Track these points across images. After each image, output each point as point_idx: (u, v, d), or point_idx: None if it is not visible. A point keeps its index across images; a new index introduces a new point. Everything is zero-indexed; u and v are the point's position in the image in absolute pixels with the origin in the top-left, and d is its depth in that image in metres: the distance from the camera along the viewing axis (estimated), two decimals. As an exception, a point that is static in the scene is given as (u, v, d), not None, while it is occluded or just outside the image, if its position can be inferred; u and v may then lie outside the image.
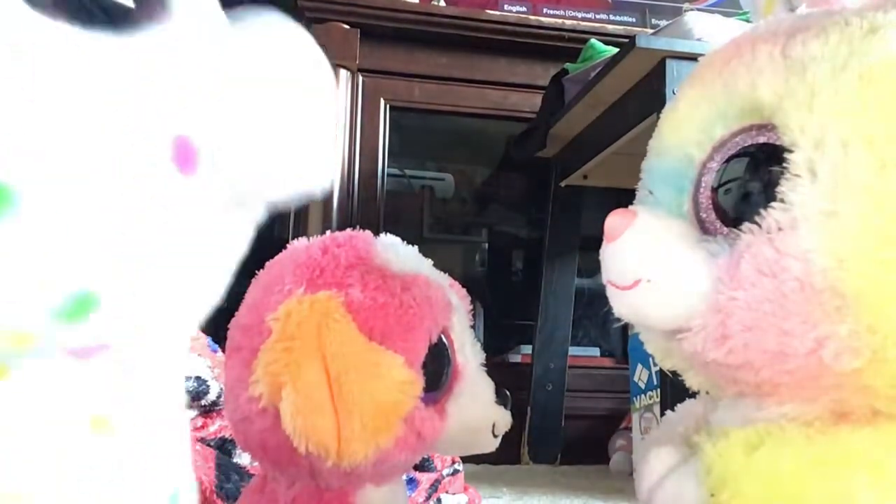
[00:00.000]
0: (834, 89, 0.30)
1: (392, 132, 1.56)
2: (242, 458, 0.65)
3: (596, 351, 1.73)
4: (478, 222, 1.98)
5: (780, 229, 0.30)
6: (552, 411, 1.45)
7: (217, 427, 0.66)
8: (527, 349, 1.57)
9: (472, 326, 0.44)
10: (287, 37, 0.22)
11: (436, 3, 1.58)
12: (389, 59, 1.54)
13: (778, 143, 0.31)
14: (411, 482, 0.73)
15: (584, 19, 1.65)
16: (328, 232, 0.43)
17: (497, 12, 1.61)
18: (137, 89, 0.18)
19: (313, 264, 0.40)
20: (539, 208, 1.60)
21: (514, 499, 1.03)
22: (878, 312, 0.29)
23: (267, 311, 0.38)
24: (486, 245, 1.98)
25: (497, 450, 0.44)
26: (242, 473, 0.62)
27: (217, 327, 0.53)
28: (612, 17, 1.69)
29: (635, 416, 1.18)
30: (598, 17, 1.68)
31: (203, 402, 0.66)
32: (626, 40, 1.04)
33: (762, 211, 0.31)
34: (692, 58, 0.96)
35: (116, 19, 0.18)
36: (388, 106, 1.54)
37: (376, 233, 0.43)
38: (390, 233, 0.44)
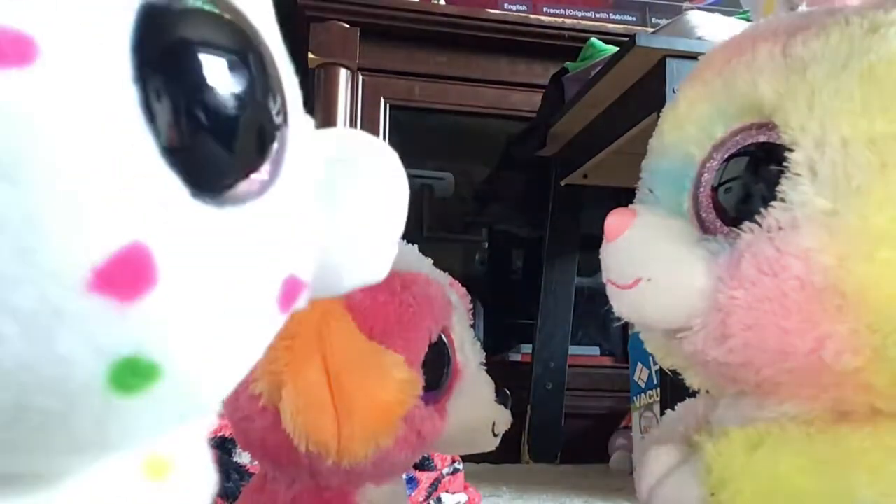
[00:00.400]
0: (834, 88, 0.30)
1: (392, 131, 1.56)
2: (242, 458, 0.65)
3: (596, 350, 1.73)
4: (478, 221, 1.98)
5: (780, 228, 0.30)
6: (552, 410, 1.45)
7: (217, 426, 0.66)
8: (527, 348, 1.57)
9: (472, 325, 0.44)
10: (370, 150, 0.22)
11: (436, 2, 1.58)
12: (389, 57, 1.54)
13: (778, 141, 0.31)
14: (411, 481, 0.73)
15: (584, 18, 1.65)
16: (328, 231, 0.43)
17: (497, 11, 1.61)
18: (263, 245, 0.18)
19: (313, 263, 0.40)
20: (539, 207, 1.60)
21: (514, 498, 1.03)
22: (878, 311, 0.29)
23: (267, 311, 0.38)
24: (486, 244, 1.98)
25: (497, 449, 0.44)
26: (242, 472, 0.62)
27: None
28: (612, 16, 1.69)
29: (635, 416, 1.18)
30: (598, 15, 1.68)
31: (203, 402, 0.66)
32: (627, 39, 1.04)
33: (762, 210, 0.31)
34: (692, 57, 0.96)
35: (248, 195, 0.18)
36: (387, 105, 1.54)
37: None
38: (390, 232, 0.44)
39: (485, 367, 0.44)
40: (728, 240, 0.33)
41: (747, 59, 0.33)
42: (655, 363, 0.99)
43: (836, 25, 0.31)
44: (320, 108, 1.48)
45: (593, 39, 1.37)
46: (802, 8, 0.36)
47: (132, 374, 0.16)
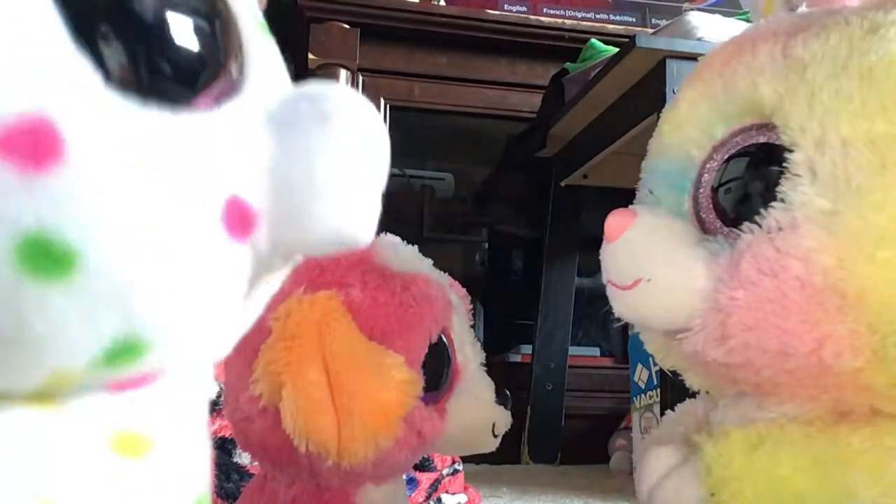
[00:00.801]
0: (834, 88, 0.30)
1: (392, 132, 1.55)
2: (242, 458, 0.65)
3: (596, 351, 1.73)
4: (478, 222, 1.98)
5: (780, 229, 0.30)
6: (552, 411, 1.45)
7: (217, 427, 0.66)
8: (527, 349, 1.57)
9: (472, 326, 0.45)
10: (342, 102, 0.22)
11: (436, 3, 1.58)
12: (389, 58, 1.54)
13: (778, 142, 0.31)
14: (411, 482, 0.73)
15: (584, 19, 1.65)
16: (328, 231, 0.43)
17: (497, 12, 1.61)
18: (194, 160, 0.18)
19: (313, 264, 0.40)
20: (539, 208, 1.60)
21: (514, 498, 1.03)
22: (878, 312, 0.29)
23: (267, 311, 0.38)
24: (486, 245, 1.98)
25: (497, 449, 0.44)
26: (242, 473, 0.62)
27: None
28: (612, 17, 1.69)
29: (635, 416, 1.18)
30: (598, 16, 1.68)
31: (203, 402, 0.66)
32: (627, 40, 1.04)
33: (762, 210, 0.31)
34: (692, 57, 0.96)
35: (185, 101, 0.18)
36: (387, 105, 1.54)
37: (376, 232, 0.43)
38: (390, 232, 0.44)
39: (485, 368, 0.44)
40: (728, 240, 0.33)
41: (747, 59, 0.33)
42: (655, 364, 0.99)
43: (836, 26, 0.32)
44: (320, 108, 1.48)
45: (593, 40, 1.37)
46: (802, 8, 0.36)
47: (44, 256, 0.16)
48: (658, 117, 0.39)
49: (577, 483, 1.18)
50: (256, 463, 0.46)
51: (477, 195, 1.99)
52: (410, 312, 0.39)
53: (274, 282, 0.24)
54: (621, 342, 1.74)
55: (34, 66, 0.16)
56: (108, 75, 0.17)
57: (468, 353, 0.43)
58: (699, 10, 1.12)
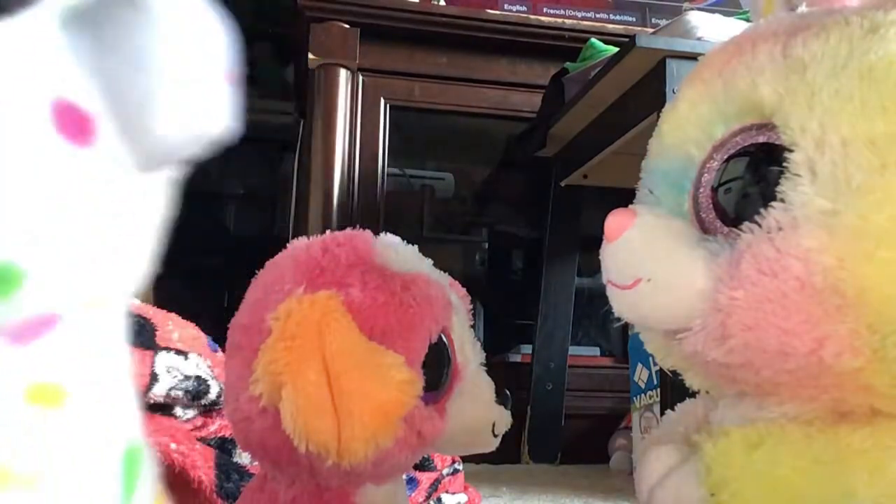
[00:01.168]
0: (834, 88, 0.30)
1: (392, 132, 1.56)
2: (242, 458, 0.65)
3: (596, 350, 1.73)
4: (478, 222, 1.98)
5: (780, 229, 0.30)
6: (552, 411, 1.45)
7: (217, 427, 0.66)
8: (527, 349, 1.57)
9: (472, 326, 0.44)
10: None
11: (436, 3, 1.58)
12: (389, 58, 1.54)
13: (778, 142, 0.31)
14: (411, 481, 0.73)
15: (584, 18, 1.65)
16: (328, 231, 0.43)
17: (497, 12, 1.61)
18: (4, 66, 0.18)
19: (313, 264, 0.40)
20: (539, 208, 1.60)
21: (514, 498, 1.03)
22: (878, 312, 0.29)
23: (267, 311, 0.38)
24: (486, 245, 1.98)
25: (497, 449, 0.44)
26: (242, 473, 0.62)
27: (217, 327, 0.53)
28: (612, 17, 1.69)
29: (635, 416, 1.18)
30: (598, 16, 1.68)
31: (203, 402, 0.66)
32: (627, 40, 1.04)
33: (762, 210, 0.31)
34: (692, 57, 0.96)
35: None
36: (388, 105, 1.54)
37: (376, 232, 0.43)
38: (390, 232, 0.44)
39: (485, 368, 0.44)
40: (728, 240, 0.33)
41: (747, 59, 0.33)
42: (655, 364, 0.99)
43: (836, 26, 0.32)
44: (320, 108, 1.48)
45: (593, 40, 1.37)
46: (802, 8, 0.36)
47: None
48: (658, 117, 0.39)
49: (577, 483, 1.17)
50: (256, 463, 0.46)
51: (477, 195, 1.99)
52: (410, 312, 0.39)
53: (157, 192, 0.23)
54: (621, 342, 1.74)
55: None
56: None
57: (468, 353, 0.43)
58: (699, 9, 1.12)
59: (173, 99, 0.21)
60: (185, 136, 0.22)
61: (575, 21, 1.61)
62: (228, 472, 0.61)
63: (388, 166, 1.56)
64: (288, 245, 0.43)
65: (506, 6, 1.65)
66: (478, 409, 0.42)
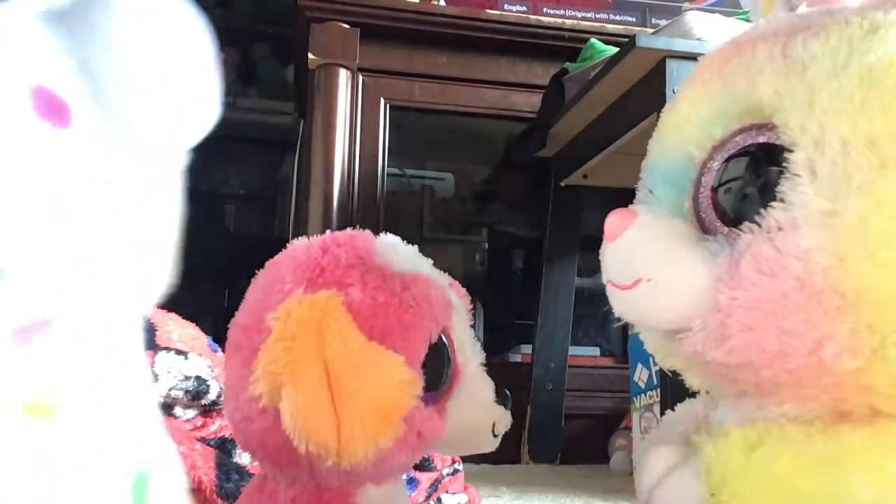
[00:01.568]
0: (834, 88, 0.30)
1: (392, 132, 1.56)
2: (242, 458, 0.65)
3: (596, 350, 1.73)
4: (478, 222, 1.98)
5: (780, 229, 0.30)
6: (552, 411, 1.45)
7: (217, 427, 0.66)
8: (527, 349, 1.57)
9: (472, 326, 0.44)
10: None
11: (436, 3, 1.58)
12: (389, 58, 1.54)
13: (778, 142, 0.31)
14: (411, 482, 0.73)
15: (584, 19, 1.65)
16: (328, 231, 0.43)
17: (497, 12, 1.61)
18: None
19: (313, 264, 0.40)
20: (539, 208, 1.60)
21: (514, 498, 1.03)
22: (878, 312, 0.29)
23: (267, 311, 0.38)
24: (486, 245, 1.98)
25: (497, 449, 0.44)
26: (242, 473, 0.62)
27: (217, 327, 0.53)
28: (612, 17, 1.69)
29: (635, 416, 1.18)
30: (598, 16, 1.68)
31: (203, 402, 0.66)
32: (626, 40, 1.04)
33: (762, 210, 0.31)
34: (692, 57, 0.96)
35: None
36: (388, 105, 1.54)
37: (376, 232, 0.43)
38: (390, 232, 0.44)
39: (485, 368, 0.44)
40: (728, 240, 0.33)
41: (747, 59, 0.33)
42: (655, 364, 0.99)
43: (836, 26, 0.32)
44: (320, 108, 1.48)
45: (593, 40, 1.37)
46: (802, 8, 0.36)
47: None
48: (658, 117, 0.39)
49: (577, 483, 1.18)
50: (256, 463, 0.46)
51: (477, 195, 1.99)
52: (410, 312, 0.39)
53: (165, 189, 0.24)
54: (621, 342, 1.75)
55: None
56: None
57: (468, 353, 0.43)
58: (699, 10, 1.12)
59: (151, 84, 0.21)
60: (170, 121, 0.22)
61: (575, 21, 1.61)
62: (228, 472, 0.61)
63: (388, 166, 1.56)
64: (288, 245, 0.43)
65: (506, 6, 1.65)
66: (478, 409, 0.42)
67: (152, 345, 0.63)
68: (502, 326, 1.76)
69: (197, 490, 0.58)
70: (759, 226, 0.31)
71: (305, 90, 1.66)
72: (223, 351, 0.43)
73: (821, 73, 0.30)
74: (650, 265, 0.34)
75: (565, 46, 1.51)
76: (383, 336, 0.38)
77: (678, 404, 0.42)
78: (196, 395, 0.65)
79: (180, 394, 0.64)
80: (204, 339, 0.70)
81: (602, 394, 1.57)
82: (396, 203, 1.79)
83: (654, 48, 0.99)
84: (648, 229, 0.35)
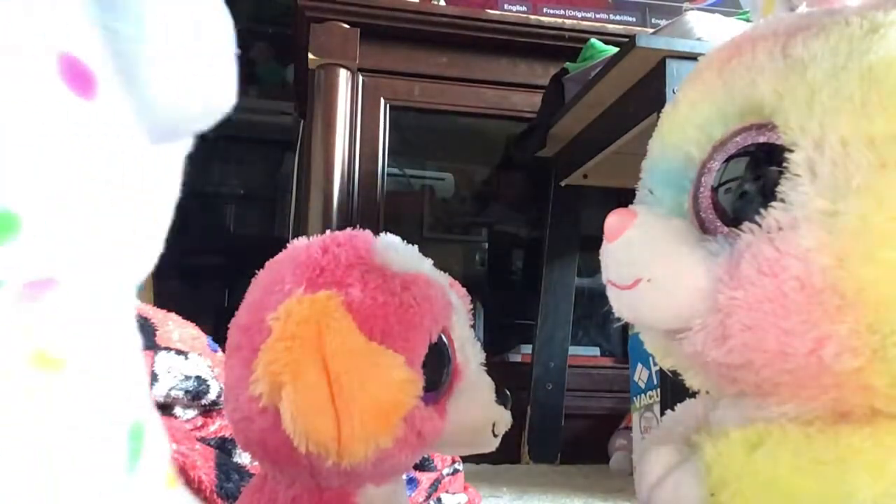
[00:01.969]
0: (834, 88, 0.30)
1: (392, 132, 1.56)
2: (242, 458, 0.65)
3: (596, 350, 1.73)
4: (478, 222, 1.98)
5: (780, 229, 0.30)
6: (552, 411, 1.45)
7: (217, 427, 0.66)
8: (527, 349, 1.57)
9: (472, 326, 0.44)
10: None
11: (436, 3, 1.58)
12: (389, 58, 1.54)
13: (778, 142, 0.31)
14: (411, 482, 0.73)
15: (584, 19, 1.65)
16: (328, 231, 0.43)
17: (497, 12, 1.61)
18: (14, 18, 0.19)
19: (313, 264, 0.40)
20: (539, 208, 1.60)
21: (514, 498, 1.03)
22: (878, 312, 0.29)
23: (267, 311, 0.38)
24: (486, 245, 1.98)
25: (497, 449, 0.44)
26: (242, 473, 0.62)
27: (217, 327, 0.53)
28: (612, 17, 1.69)
29: (635, 416, 1.18)
30: (598, 16, 1.68)
31: (203, 402, 0.66)
32: (626, 40, 1.04)
33: (762, 210, 0.31)
34: (692, 57, 0.96)
35: None
36: (388, 105, 1.54)
37: (376, 232, 0.43)
38: (390, 232, 0.44)
39: (485, 368, 0.44)
40: (728, 240, 0.33)
41: (747, 59, 0.33)
42: (655, 364, 0.99)
43: (836, 26, 0.32)
44: (320, 108, 1.48)
45: (593, 40, 1.37)
46: (802, 8, 0.36)
47: None
48: (658, 117, 0.39)
49: (577, 483, 1.18)
50: (256, 463, 0.46)
51: (477, 195, 1.99)
52: (410, 312, 0.39)
53: (170, 168, 0.24)
54: (621, 342, 1.75)
55: None
56: None
57: (468, 353, 0.43)
58: (699, 10, 1.12)
59: (174, 62, 0.22)
60: (188, 102, 0.22)
61: (575, 21, 1.61)
62: (228, 472, 0.61)
63: (388, 166, 1.56)
64: (288, 245, 0.43)
65: (506, 6, 1.65)
66: (478, 409, 0.42)
67: (152, 345, 0.63)
68: (502, 326, 1.76)
69: (197, 490, 0.58)
70: (759, 226, 0.31)
71: (305, 90, 1.66)
72: (223, 351, 0.43)
73: (821, 73, 0.30)
74: (650, 265, 0.34)
75: (565, 46, 1.51)
76: (383, 336, 0.38)
77: (678, 404, 0.42)
78: (196, 395, 0.65)
79: (180, 394, 0.64)
80: (204, 339, 0.70)
81: (602, 394, 1.57)
82: (396, 203, 1.79)
83: (654, 48, 0.99)
84: (648, 229, 0.35)
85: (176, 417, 0.65)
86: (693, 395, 0.40)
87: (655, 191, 0.37)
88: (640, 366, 1.17)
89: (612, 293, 0.36)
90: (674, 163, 0.36)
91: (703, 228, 0.34)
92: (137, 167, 0.22)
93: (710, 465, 0.33)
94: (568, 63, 1.37)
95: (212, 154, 2.25)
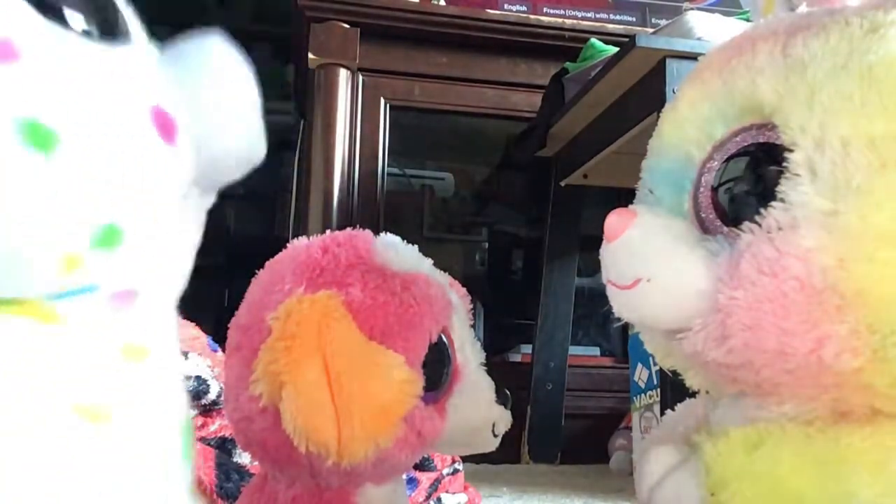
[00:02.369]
0: (834, 88, 0.30)
1: (392, 131, 1.56)
2: (242, 458, 0.65)
3: (596, 350, 1.73)
4: (478, 221, 1.98)
5: (780, 229, 0.30)
6: (552, 410, 1.45)
7: (217, 426, 0.66)
8: (527, 349, 1.57)
9: (472, 326, 0.44)
10: (212, 52, 0.29)
11: (436, 2, 1.58)
12: (389, 58, 1.54)
13: (778, 142, 0.31)
14: (411, 481, 0.73)
15: (584, 18, 1.65)
16: (328, 231, 0.43)
17: (497, 11, 1.61)
18: (122, 78, 0.25)
19: (313, 264, 0.40)
20: (539, 208, 1.60)
21: (514, 498, 1.03)
22: (878, 312, 0.29)
23: (267, 311, 0.38)
24: (487, 244, 1.98)
25: (497, 449, 0.44)
26: (243, 473, 0.62)
27: (217, 327, 0.53)
28: (612, 17, 1.69)
29: (635, 416, 1.18)
30: (598, 16, 1.68)
31: (203, 402, 0.66)
32: (627, 39, 1.04)
33: (762, 210, 0.31)
34: (692, 57, 0.96)
35: (105, 33, 0.25)
36: (387, 105, 1.54)
37: (376, 232, 0.43)
38: (390, 232, 0.44)
39: (485, 368, 0.44)
40: (728, 240, 0.33)
41: (747, 59, 0.33)
42: (655, 363, 0.99)
43: (836, 25, 0.32)
44: (320, 108, 1.48)
45: (593, 40, 1.37)
46: (802, 8, 0.36)
47: (35, 134, 0.22)
48: (658, 117, 0.39)
49: (577, 483, 1.18)
50: (256, 463, 0.46)
51: (477, 195, 1.99)
52: (410, 312, 0.39)
53: (200, 211, 0.30)
54: (621, 342, 1.75)
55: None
56: (40, 9, 0.23)
57: (468, 353, 0.43)
58: (699, 9, 1.12)
59: (236, 125, 0.28)
60: (240, 157, 0.29)
61: (575, 21, 1.61)
62: (228, 472, 0.61)
63: (388, 166, 1.56)
64: (288, 245, 0.43)
65: (506, 6, 1.65)
66: (478, 409, 0.42)
67: (152, 345, 0.63)
68: (502, 326, 1.76)
69: (197, 490, 0.58)
70: (759, 226, 0.31)
71: (305, 90, 1.66)
72: (223, 351, 0.43)
73: (821, 73, 0.30)
74: (650, 265, 0.34)
75: (565, 46, 1.51)
76: (383, 336, 0.38)
77: (678, 404, 0.42)
78: (196, 395, 0.65)
79: (180, 394, 0.63)
80: (204, 339, 0.70)
81: (602, 394, 1.57)
82: (396, 203, 1.79)
83: (654, 48, 0.99)
84: (648, 229, 0.35)
85: (176, 417, 0.64)
86: (693, 395, 0.40)
87: (655, 191, 0.37)
88: (640, 366, 1.17)
89: (612, 293, 0.36)
90: (674, 163, 0.36)
91: (703, 228, 0.34)
92: (190, 199, 0.28)
93: (710, 465, 0.33)
94: (568, 63, 1.37)
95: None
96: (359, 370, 0.36)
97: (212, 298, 2.00)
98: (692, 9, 1.14)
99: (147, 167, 0.24)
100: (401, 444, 0.38)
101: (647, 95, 1.04)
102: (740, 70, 0.33)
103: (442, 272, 0.44)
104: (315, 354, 0.36)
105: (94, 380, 0.25)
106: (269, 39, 2.45)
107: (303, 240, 0.43)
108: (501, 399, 0.43)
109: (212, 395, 0.66)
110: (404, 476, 0.49)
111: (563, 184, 1.44)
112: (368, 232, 0.43)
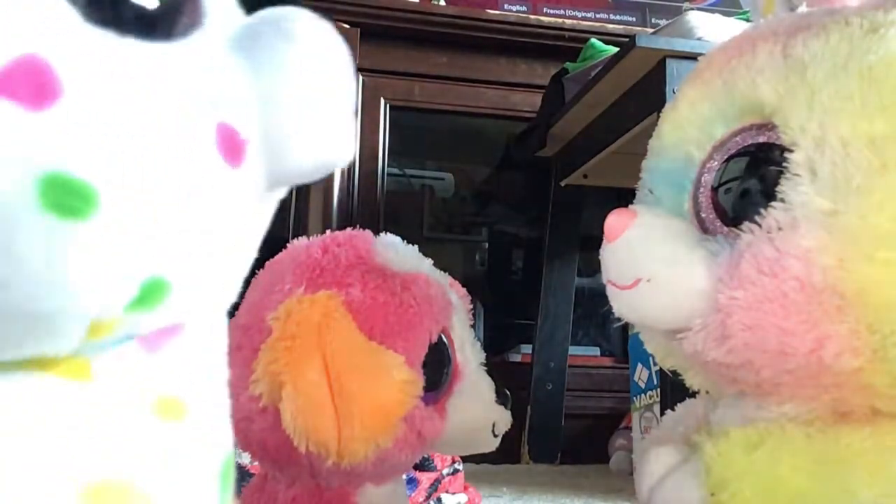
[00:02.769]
0: (834, 88, 0.30)
1: (392, 131, 1.56)
2: (242, 458, 0.65)
3: (596, 350, 1.73)
4: (478, 221, 1.98)
5: (780, 229, 0.30)
6: (552, 410, 1.45)
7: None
8: (527, 349, 1.57)
9: (472, 326, 0.44)
10: (305, 31, 0.22)
11: (436, 3, 1.58)
12: (389, 58, 1.54)
13: (778, 142, 0.31)
14: (411, 481, 0.73)
15: (584, 18, 1.65)
16: (328, 231, 0.43)
17: (497, 12, 1.61)
18: (185, 91, 0.19)
19: (313, 264, 0.40)
20: (539, 208, 1.60)
21: (514, 498, 1.03)
22: (878, 312, 0.29)
23: (267, 311, 0.38)
24: (487, 244, 1.98)
25: (497, 449, 0.44)
26: (242, 473, 0.62)
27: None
28: (612, 17, 1.69)
29: (635, 416, 1.18)
30: (598, 16, 1.68)
31: (203, 402, 0.66)
32: (627, 39, 1.04)
33: (762, 210, 0.31)
34: (692, 57, 0.96)
35: (160, 30, 0.19)
36: (388, 105, 1.54)
37: (376, 232, 0.43)
38: (390, 232, 0.44)
39: (485, 368, 0.44)
40: (728, 240, 0.33)
41: (747, 59, 0.33)
42: (655, 363, 0.99)
43: (836, 26, 0.31)
44: (320, 108, 1.48)
45: (593, 40, 1.37)
46: (802, 8, 0.36)
47: (66, 193, 0.17)
48: (658, 117, 0.39)
49: (577, 483, 1.18)
50: (256, 462, 0.46)
51: (477, 195, 1.99)
52: (410, 312, 0.39)
53: (264, 217, 0.24)
54: (621, 342, 1.74)
55: (17, 11, 0.16)
56: (85, 12, 0.18)
57: (468, 353, 0.43)
58: (699, 9, 1.12)
59: (312, 126, 0.22)
60: (316, 162, 0.23)
61: (575, 21, 1.61)
62: (228, 472, 0.61)
63: (388, 166, 1.56)
64: (288, 245, 0.43)
65: (506, 6, 1.65)
66: (478, 409, 0.42)
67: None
68: (502, 326, 1.76)
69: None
70: (759, 226, 0.31)
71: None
72: (223, 351, 0.43)
73: (821, 73, 0.30)
74: (650, 265, 0.34)
75: (565, 46, 1.51)
76: (384, 336, 0.38)
77: (678, 404, 0.42)
78: (196, 395, 0.65)
79: (180, 394, 0.63)
80: (204, 339, 0.69)
81: (602, 394, 1.57)
82: (396, 203, 1.79)
83: (654, 48, 0.99)
84: (648, 229, 0.35)
85: (176, 417, 0.64)
86: (693, 395, 0.40)
87: (655, 191, 0.37)
88: (640, 366, 1.17)
89: (612, 293, 0.36)
90: (674, 163, 0.36)
91: (703, 228, 0.34)
92: (251, 218, 0.23)
93: (710, 465, 0.33)
94: (568, 63, 1.37)
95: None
96: (359, 370, 0.36)
97: (212, 298, 2.00)
98: (692, 9, 1.14)
99: (206, 200, 0.20)
100: (401, 444, 0.38)
101: (647, 95, 1.04)
102: (740, 70, 0.33)
103: (442, 272, 0.44)
104: (315, 354, 0.36)
105: (116, 451, 0.20)
106: (269, 39, 2.45)
107: (303, 240, 0.43)
108: (501, 399, 0.43)
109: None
110: (404, 476, 0.49)
111: (563, 184, 1.44)
112: (368, 232, 0.43)
